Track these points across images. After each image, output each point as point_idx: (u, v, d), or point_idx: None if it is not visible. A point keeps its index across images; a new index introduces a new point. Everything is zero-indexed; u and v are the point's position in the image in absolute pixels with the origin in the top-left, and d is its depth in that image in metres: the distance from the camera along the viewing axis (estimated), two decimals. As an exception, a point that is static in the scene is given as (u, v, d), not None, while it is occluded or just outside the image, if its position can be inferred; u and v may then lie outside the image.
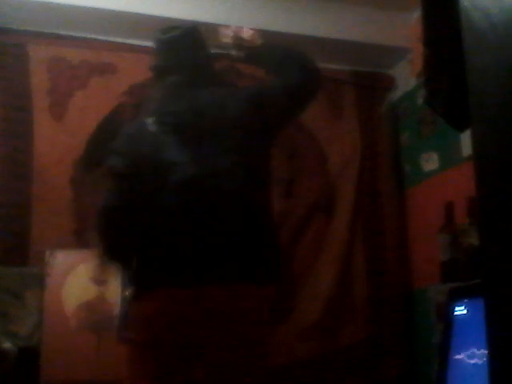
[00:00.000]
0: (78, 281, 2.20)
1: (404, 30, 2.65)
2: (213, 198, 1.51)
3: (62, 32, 2.44)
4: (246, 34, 1.80)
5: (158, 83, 1.73)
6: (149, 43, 2.50)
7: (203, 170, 1.53)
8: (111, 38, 2.51)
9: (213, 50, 1.80)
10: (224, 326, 1.47)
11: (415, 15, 2.56)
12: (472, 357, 1.59)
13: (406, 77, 2.75)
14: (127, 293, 1.61)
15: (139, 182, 1.55)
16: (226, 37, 1.82)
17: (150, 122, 1.62)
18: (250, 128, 1.62)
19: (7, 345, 2.04)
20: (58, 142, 2.36)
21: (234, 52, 1.81)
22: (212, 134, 1.59)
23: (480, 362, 1.55)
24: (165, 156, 1.56)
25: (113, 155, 1.64)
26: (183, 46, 1.73)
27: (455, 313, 1.75)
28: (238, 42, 1.79)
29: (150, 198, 1.54)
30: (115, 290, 2.19)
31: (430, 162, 2.57)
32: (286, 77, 1.70)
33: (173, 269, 1.49)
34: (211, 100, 1.65)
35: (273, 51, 1.82)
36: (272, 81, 1.77)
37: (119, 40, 2.52)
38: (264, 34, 1.86)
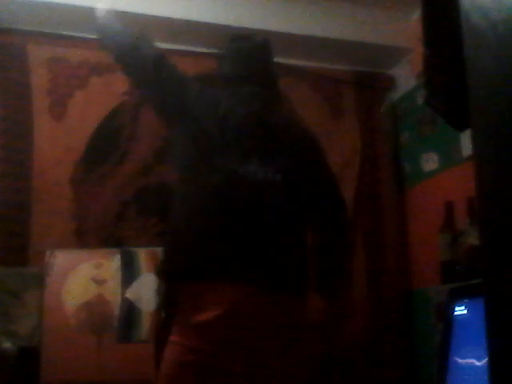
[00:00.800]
0: (78, 281, 2.20)
1: (404, 30, 2.65)
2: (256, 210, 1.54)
3: (62, 32, 2.44)
4: None
5: (230, 90, 1.72)
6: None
7: (253, 175, 1.56)
8: (111, 38, 2.50)
9: None
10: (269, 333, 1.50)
11: (415, 15, 2.56)
12: (472, 357, 1.59)
13: (406, 77, 2.75)
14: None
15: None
16: None
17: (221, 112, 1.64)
18: (306, 160, 1.68)
19: (7, 345, 2.04)
20: (58, 141, 2.36)
21: None
22: (270, 148, 1.62)
23: (480, 362, 1.55)
24: (218, 147, 1.59)
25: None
26: (258, 59, 1.74)
27: (455, 313, 1.75)
28: None
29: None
30: (115, 290, 2.19)
31: (430, 161, 2.57)
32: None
33: (228, 266, 1.50)
34: (279, 118, 1.69)
35: None
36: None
37: (119, 40, 2.52)
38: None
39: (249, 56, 1.73)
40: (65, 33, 2.45)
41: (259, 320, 1.48)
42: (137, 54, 1.75)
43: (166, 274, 1.64)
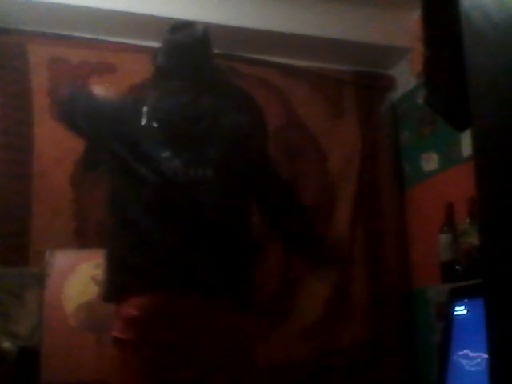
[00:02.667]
0: (78, 281, 2.19)
1: (404, 30, 2.65)
2: (188, 205, 1.52)
3: (62, 32, 2.44)
4: None
5: (160, 82, 1.72)
6: (149, 43, 2.52)
7: (183, 174, 1.53)
8: (111, 38, 2.50)
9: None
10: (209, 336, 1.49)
11: (415, 15, 2.56)
12: (472, 357, 1.59)
13: (406, 77, 2.75)
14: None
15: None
16: None
17: (144, 110, 1.61)
18: (236, 149, 1.63)
19: (7, 345, 2.04)
20: (57, 141, 2.36)
21: None
22: (198, 142, 1.59)
23: (480, 361, 1.55)
24: (147, 145, 1.57)
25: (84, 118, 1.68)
26: (194, 50, 1.71)
27: (455, 313, 1.75)
28: None
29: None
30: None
31: (430, 161, 2.57)
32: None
33: (161, 273, 1.49)
34: (206, 111, 1.64)
35: None
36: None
37: (119, 40, 2.52)
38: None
39: (181, 49, 1.71)
40: (65, 33, 2.45)
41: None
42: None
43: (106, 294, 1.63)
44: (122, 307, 1.52)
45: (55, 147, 2.35)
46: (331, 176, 2.71)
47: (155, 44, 2.50)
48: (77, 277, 2.20)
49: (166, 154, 1.55)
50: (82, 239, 2.31)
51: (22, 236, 2.25)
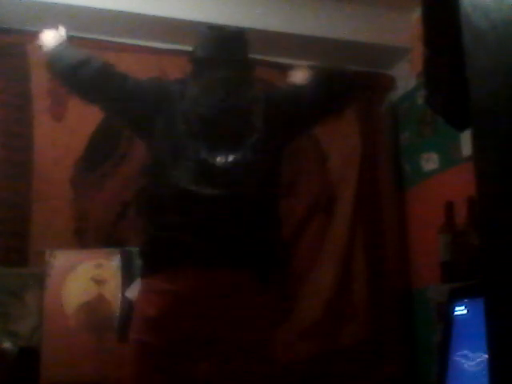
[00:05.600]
0: (78, 281, 2.19)
1: (404, 30, 2.65)
2: (226, 195, 1.58)
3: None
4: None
5: (199, 76, 1.77)
6: (149, 43, 2.52)
7: (214, 160, 1.60)
8: (111, 38, 2.51)
9: None
10: (228, 321, 1.50)
11: (415, 15, 2.56)
12: (472, 357, 1.59)
13: (406, 77, 2.75)
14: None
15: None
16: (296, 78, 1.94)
17: (185, 102, 1.68)
18: (272, 131, 1.69)
19: (7, 345, 2.04)
20: (57, 141, 2.36)
21: None
22: (234, 132, 1.67)
23: (480, 361, 1.55)
24: (186, 135, 1.63)
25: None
26: (232, 44, 1.79)
27: (455, 313, 1.74)
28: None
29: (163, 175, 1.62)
30: (115, 290, 2.19)
31: (430, 161, 2.57)
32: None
33: (181, 250, 1.54)
34: (242, 105, 1.72)
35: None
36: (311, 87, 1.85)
37: (119, 40, 2.52)
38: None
39: (222, 42, 1.78)
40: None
41: (215, 306, 1.50)
42: (85, 69, 1.77)
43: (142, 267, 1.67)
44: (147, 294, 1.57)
45: (55, 147, 2.35)
46: (331, 176, 2.71)
47: (155, 44, 2.52)
48: (77, 277, 2.20)
49: (205, 144, 1.61)
50: (82, 239, 2.31)
51: (21, 236, 2.25)
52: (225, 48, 1.78)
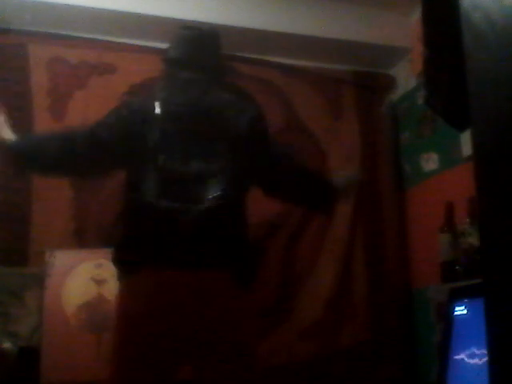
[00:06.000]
0: (78, 281, 2.20)
1: (404, 30, 2.65)
2: (196, 197, 1.55)
3: (62, 32, 2.44)
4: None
5: (171, 75, 1.76)
6: (149, 43, 2.52)
7: (191, 168, 1.57)
8: (111, 38, 2.51)
9: None
10: (206, 316, 1.49)
11: (415, 15, 2.56)
12: (472, 357, 1.59)
13: (406, 77, 2.75)
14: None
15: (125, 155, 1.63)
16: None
17: (157, 105, 1.65)
18: (241, 142, 1.65)
19: (7, 345, 2.04)
20: (58, 141, 2.36)
21: None
22: (206, 136, 1.63)
23: (480, 361, 1.55)
24: (158, 140, 1.59)
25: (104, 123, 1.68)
26: (205, 45, 1.77)
27: (455, 313, 1.75)
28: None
29: (137, 179, 1.59)
30: (115, 290, 2.19)
31: (430, 162, 2.57)
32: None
33: (154, 251, 1.53)
34: (214, 105, 1.68)
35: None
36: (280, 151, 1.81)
37: (119, 40, 2.52)
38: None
39: (193, 41, 1.77)
40: (65, 33, 2.45)
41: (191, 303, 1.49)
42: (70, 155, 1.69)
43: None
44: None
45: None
46: (331, 176, 2.70)
47: (155, 44, 2.52)
48: (77, 277, 2.20)
49: (177, 149, 1.59)
50: (82, 239, 2.31)
51: (22, 236, 2.25)
52: (196, 49, 1.75)
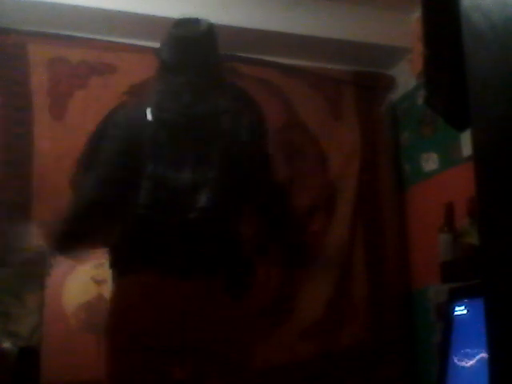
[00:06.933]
0: (78, 281, 2.20)
1: (404, 30, 2.65)
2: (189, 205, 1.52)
3: (62, 32, 2.44)
4: None
5: (164, 78, 1.70)
6: (149, 43, 2.52)
7: (182, 176, 1.54)
8: (111, 38, 2.50)
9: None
10: (204, 323, 1.48)
11: (415, 15, 2.56)
12: (472, 357, 1.59)
13: (406, 77, 2.75)
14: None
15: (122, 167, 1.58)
16: None
17: (149, 111, 1.60)
18: (237, 150, 1.61)
19: (7, 345, 2.04)
20: (58, 141, 2.36)
21: None
22: (201, 143, 1.59)
23: (480, 362, 1.55)
24: (151, 147, 1.56)
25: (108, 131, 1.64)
26: (200, 45, 1.68)
27: (455, 313, 1.75)
28: None
29: (132, 186, 1.55)
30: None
31: (430, 161, 2.57)
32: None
33: (150, 257, 1.52)
34: (209, 111, 1.62)
35: None
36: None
37: (119, 40, 2.52)
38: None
39: (187, 44, 1.68)
40: (65, 33, 2.45)
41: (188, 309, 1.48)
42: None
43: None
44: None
45: (55, 147, 2.35)
46: (331, 176, 2.71)
47: (155, 44, 2.50)
48: (77, 277, 2.20)
49: (170, 156, 1.55)
50: (82, 239, 2.31)
51: (21, 236, 2.25)
52: (190, 51, 1.66)
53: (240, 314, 1.58)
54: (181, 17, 1.77)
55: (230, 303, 1.54)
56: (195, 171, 1.55)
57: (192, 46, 1.67)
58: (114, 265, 1.60)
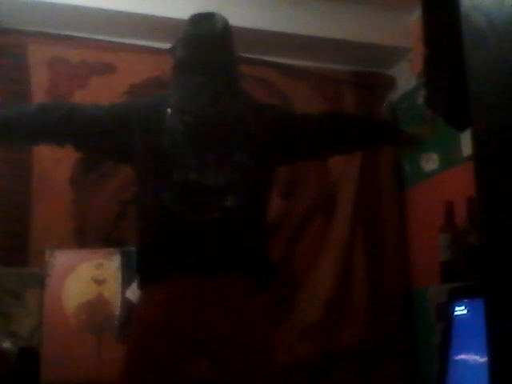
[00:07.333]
0: (78, 281, 2.20)
1: (404, 30, 2.65)
2: (214, 219, 1.52)
3: (62, 32, 2.44)
4: None
5: (181, 77, 1.67)
6: (149, 43, 2.52)
7: (204, 178, 1.54)
8: (111, 38, 2.51)
9: None
10: (226, 321, 1.49)
11: (415, 15, 2.56)
12: (472, 357, 1.59)
13: (406, 77, 2.75)
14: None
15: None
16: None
17: (168, 112, 1.60)
18: (263, 148, 1.62)
19: (7, 345, 2.04)
20: (58, 141, 2.36)
21: None
22: (225, 145, 1.58)
23: (480, 362, 1.55)
24: (173, 149, 1.56)
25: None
26: (214, 46, 1.65)
27: (455, 313, 1.75)
28: None
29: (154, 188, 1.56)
30: (115, 290, 2.19)
31: (430, 161, 2.57)
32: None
33: (177, 260, 1.52)
34: (231, 112, 1.61)
35: None
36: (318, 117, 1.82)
37: (119, 40, 2.52)
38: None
39: (202, 42, 1.64)
40: (65, 33, 2.45)
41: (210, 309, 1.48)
42: (42, 119, 1.67)
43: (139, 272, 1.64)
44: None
45: (55, 147, 2.35)
46: (331, 176, 2.71)
47: (155, 44, 2.52)
48: (77, 277, 2.20)
49: (193, 159, 1.54)
50: (82, 239, 2.31)
51: (22, 236, 2.25)
52: (208, 49, 1.63)
53: (261, 311, 1.59)
54: (194, 13, 1.74)
55: (256, 301, 1.55)
56: (218, 172, 1.54)
57: (207, 46, 1.64)
58: (141, 269, 1.60)
